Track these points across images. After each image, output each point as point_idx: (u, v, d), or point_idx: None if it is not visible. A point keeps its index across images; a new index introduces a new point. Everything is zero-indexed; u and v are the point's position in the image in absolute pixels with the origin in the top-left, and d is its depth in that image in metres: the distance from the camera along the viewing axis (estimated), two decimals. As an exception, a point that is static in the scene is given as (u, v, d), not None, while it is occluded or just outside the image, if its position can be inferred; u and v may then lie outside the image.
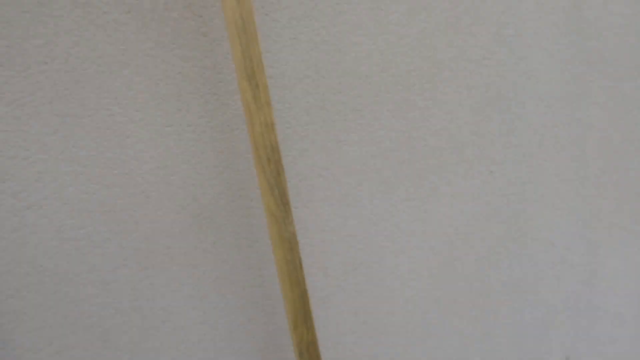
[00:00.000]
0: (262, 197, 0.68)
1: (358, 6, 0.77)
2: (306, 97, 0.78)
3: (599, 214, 1.04)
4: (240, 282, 0.81)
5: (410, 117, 0.85)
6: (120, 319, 0.75)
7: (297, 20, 0.75)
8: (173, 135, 0.73)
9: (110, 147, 0.70)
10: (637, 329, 1.17)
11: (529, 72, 0.91)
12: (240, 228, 0.79)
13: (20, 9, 0.63)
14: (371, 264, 0.88)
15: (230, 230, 0.79)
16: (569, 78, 0.95)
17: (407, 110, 0.84)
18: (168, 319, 0.78)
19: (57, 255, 0.71)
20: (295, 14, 0.74)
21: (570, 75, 0.95)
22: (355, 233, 0.86)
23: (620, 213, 1.04)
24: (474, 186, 0.92)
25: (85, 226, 0.72)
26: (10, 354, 0.70)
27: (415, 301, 0.93)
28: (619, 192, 1.03)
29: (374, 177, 0.85)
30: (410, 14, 0.81)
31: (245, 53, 0.62)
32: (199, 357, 0.80)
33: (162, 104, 0.71)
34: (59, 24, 0.65)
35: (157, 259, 0.76)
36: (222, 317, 0.81)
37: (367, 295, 0.89)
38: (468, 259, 0.96)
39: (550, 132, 0.95)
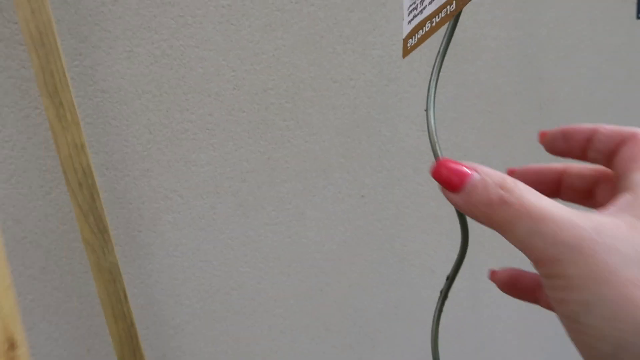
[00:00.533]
0: (77, 224, 0.62)
1: (204, 19, 0.73)
2: (147, 114, 0.73)
3: (481, 239, 1.03)
4: (76, 310, 0.75)
5: (270, 137, 0.80)
6: None
7: (133, 31, 0.70)
8: (-14, 152, 0.66)
9: None
10: (521, 355, 1.16)
11: (400, 94, 0.89)
12: (74, 253, 0.72)
13: None
14: (229, 290, 0.84)
15: (62, 255, 0.72)
16: (443, 101, 0.93)
17: (265, 130, 0.80)
18: (-14, 352, 0.71)
19: None
20: (130, 25, 0.69)
21: (445, 97, 0.93)
22: (210, 258, 0.81)
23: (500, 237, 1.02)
24: (344, 210, 0.89)
25: None
26: None
27: (282, 329, 0.89)
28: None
29: (230, 200, 0.80)
30: (266, 30, 0.77)
31: (44, 68, 0.57)
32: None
33: (-29, 118, 0.65)
34: None
35: (-28, 287, 0.69)
36: (56, 349, 0.75)
37: (227, 323, 0.84)
38: (340, 284, 0.92)
39: (426, 156, 0.93)
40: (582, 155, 0.27)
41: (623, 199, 0.21)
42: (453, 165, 0.24)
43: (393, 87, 0.88)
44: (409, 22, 0.34)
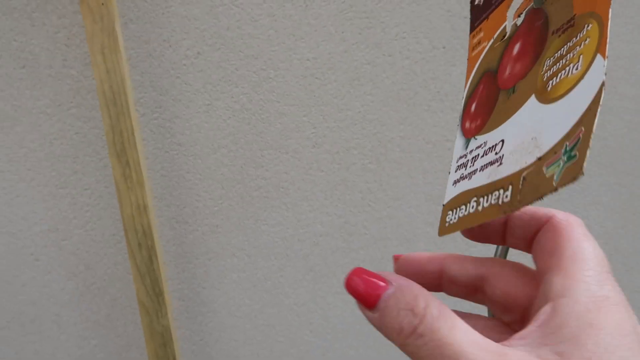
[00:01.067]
0: (134, 284, 0.60)
1: (287, 72, 0.68)
2: (221, 169, 0.70)
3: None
4: (138, 359, 0.74)
5: (348, 200, 0.73)
6: (-1, 383, 0.71)
7: (213, 85, 0.67)
8: (67, 198, 0.68)
9: (-2, 205, 0.67)
10: None
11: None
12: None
13: None
14: (291, 359, 0.77)
15: (127, 305, 0.72)
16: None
17: (344, 192, 0.73)
18: (51, 390, 0.72)
19: (-62, 309, 0.68)
20: (210, 79, 0.67)
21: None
22: (274, 323, 0.76)
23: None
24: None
25: (-31, 283, 0.68)
26: None
27: (346, 407, 0.80)
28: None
29: (299, 263, 0.74)
30: (353, 84, 0.70)
31: (114, 127, 0.55)
32: None
33: (56, 165, 0.66)
34: (-50, 76, 0.62)
35: (44, 325, 0.71)
36: (115, 395, 0.74)
37: (287, 392, 0.78)
38: None
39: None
40: (502, 242, 0.25)
41: (541, 321, 0.19)
42: (366, 277, 0.22)
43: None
44: (454, 182, 0.25)
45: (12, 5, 0.62)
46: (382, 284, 0.21)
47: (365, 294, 0.22)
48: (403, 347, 0.21)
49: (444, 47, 0.71)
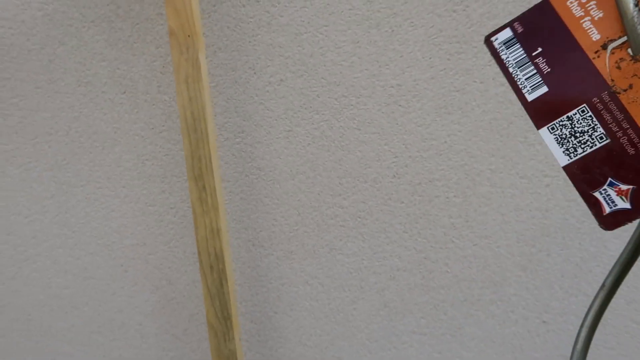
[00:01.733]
0: (204, 305, 0.61)
1: (370, 100, 0.66)
2: (298, 195, 0.69)
3: None
4: (210, 376, 0.75)
5: (429, 234, 0.69)
6: (88, 382, 0.76)
7: (294, 111, 0.67)
8: (154, 215, 0.72)
9: (97, 218, 0.72)
10: None
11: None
12: (214, 321, 0.73)
13: (34, 84, 0.69)
14: (362, 396, 0.74)
15: (202, 322, 0.74)
16: None
17: (425, 225, 0.68)
18: (131, 395, 0.76)
19: (43, 308, 0.76)
20: (292, 105, 0.67)
21: None
22: (344, 356, 0.73)
23: None
24: (516, 335, 0.70)
25: (69, 287, 0.75)
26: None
27: None
28: None
29: (374, 297, 0.71)
30: (439, 113, 0.65)
31: (194, 153, 0.57)
32: None
33: (147, 184, 0.71)
34: (64, 100, 0.69)
35: (129, 333, 0.75)
36: (189, 408, 0.76)
37: None
38: None
39: (649, 285, 0.68)
40: None
41: None
42: None
43: (608, 190, 0.66)
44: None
45: (117, 36, 0.67)
46: None
47: None
48: None
49: (545, 73, 0.64)
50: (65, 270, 0.74)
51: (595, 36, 0.26)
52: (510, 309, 0.70)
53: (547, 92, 0.26)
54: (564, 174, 0.66)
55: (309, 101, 0.67)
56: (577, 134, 0.25)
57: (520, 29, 0.27)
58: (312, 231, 0.70)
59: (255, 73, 0.67)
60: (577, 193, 0.67)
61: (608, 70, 0.25)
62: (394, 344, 0.72)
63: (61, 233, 0.73)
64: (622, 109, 0.24)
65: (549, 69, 0.26)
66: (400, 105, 0.66)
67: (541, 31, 0.27)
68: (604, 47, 0.25)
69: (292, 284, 0.72)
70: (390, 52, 0.65)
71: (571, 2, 0.26)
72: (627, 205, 0.25)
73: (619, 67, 0.25)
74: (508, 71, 0.27)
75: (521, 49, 0.27)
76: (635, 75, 0.24)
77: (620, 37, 0.25)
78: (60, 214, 0.72)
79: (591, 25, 0.26)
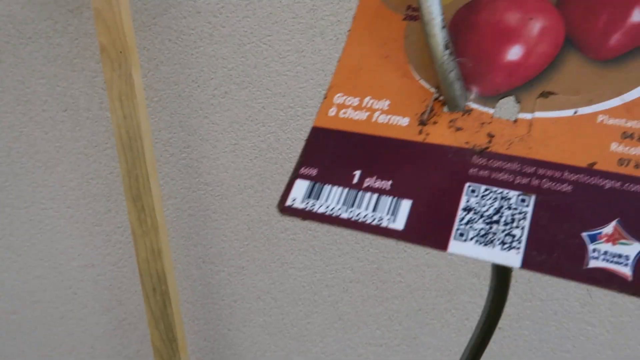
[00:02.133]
0: (149, 328, 0.60)
1: (316, 110, 0.65)
2: (247, 210, 0.68)
3: None
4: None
5: (382, 245, 0.68)
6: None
7: (240, 124, 0.66)
8: (102, 235, 0.70)
9: (42, 240, 0.70)
10: None
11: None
12: (167, 340, 0.71)
13: (-30, 105, 0.67)
14: (321, 411, 0.73)
15: (157, 341, 0.72)
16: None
17: (375, 237, 0.67)
18: (86, 420, 0.74)
19: (-9, 334, 0.73)
20: (238, 118, 0.66)
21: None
22: (302, 371, 0.72)
23: None
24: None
25: (16, 312, 0.73)
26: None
27: None
28: None
29: (328, 310, 0.70)
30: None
31: (130, 172, 0.56)
32: None
33: (92, 203, 0.69)
34: (3, 120, 0.67)
35: (80, 356, 0.73)
36: None
37: None
38: None
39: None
40: None
41: None
42: None
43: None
44: None
45: (56, 52, 0.65)
46: None
47: None
48: None
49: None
50: (12, 295, 0.72)
51: (402, 121, 0.22)
52: (466, 316, 0.69)
53: (412, 204, 0.20)
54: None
55: (254, 113, 0.66)
56: (494, 217, 0.19)
57: (313, 172, 0.22)
58: (263, 246, 0.69)
59: (198, 86, 0.66)
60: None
61: (452, 137, 0.21)
62: (349, 356, 0.71)
63: (6, 257, 0.71)
64: (509, 158, 0.20)
65: (389, 182, 0.21)
66: (346, 116, 0.65)
67: (340, 156, 0.22)
68: (422, 123, 0.22)
69: (244, 300, 0.70)
70: (335, 60, 0.64)
71: (343, 112, 0.22)
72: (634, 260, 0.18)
73: (459, 129, 0.21)
74: (343, 219, 0.21)
75: (336, 186, 0.21)
76: (483, 123, 0.21)
77: (427, 106, 0.22)
78: (4, 237, 0.70)
79: (388, 116, 0.22)
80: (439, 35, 0.20)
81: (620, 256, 0.17)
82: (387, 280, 0.69)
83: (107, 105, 0.66)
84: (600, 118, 0.20)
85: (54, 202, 0.69)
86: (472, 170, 0.20)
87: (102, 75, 0.65)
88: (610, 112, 0.20)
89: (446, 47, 0.20)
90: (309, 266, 0.69)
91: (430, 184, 0.20)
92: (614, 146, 0.19)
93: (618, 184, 0.18)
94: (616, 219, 0.18)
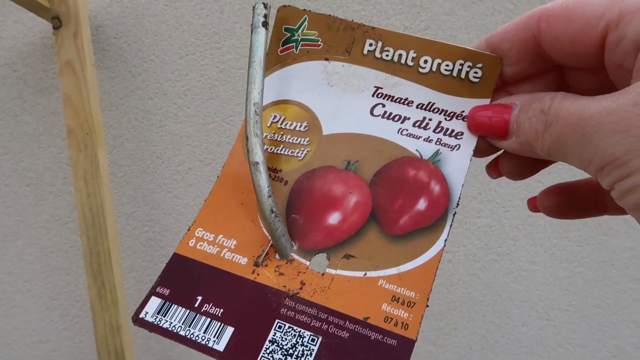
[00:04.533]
0: (107, 406, 0.58)
1: (276, 186, 0.68)
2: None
3: None
4: None
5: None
6: None
7: (202, 198, 0.68)
8: (59, 310, 0.69)
9: (-4, 316, 0.69)
10: None
11: (515, 272, 0.70)
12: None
13: None
14: None
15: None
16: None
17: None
18: None
19: None
20: (200, 192, 0.68)
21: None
22: None
23: None
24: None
25: (-37, 392, 0.70)
26: None
27: None
28: None
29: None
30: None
31: (92, 249, 0.57)
32: None
33: (50, 277, 0.69)
34: (-36, 195, 0.68)
35: None
36: None
37: None
38: None
39: (552, 353, 0.70)
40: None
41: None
42: (487, 111, 0.24)
43: (504, 263, 0.70)
44: None
45: (23, 130, 0.67)
46: (505, 109, 0.23)
47: (495, 124, 0.23)
48: (544, 149, 0.21)
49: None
50: (-40, 374, 0.69)
51: (242, 260, 0.26)
52: (424, 385, 0.70)
53: (234, 331, 0.23)
54: (464, 249, 0.70)
55: (216, 188, 0.68)
56: (289, 350, 0.23)
57: (166, 292, 0.25)
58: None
59: (162, 162, 0.68)
60: (480, 265, 0.70)
61: (275, 280, 0.25)
62: None
63: (-44, 333, 0.69)
64: (311, 304, 0.24)
65: (221, 310, 0.24)
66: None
67: (190, 282, 0.25)
68: (256, 264, 0.25)
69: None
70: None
71: (200, 245, 0.26)
72: None
73: (282, 274, 0.25)
74: (180, 336, 0.23)
75: (181, 307, 0.24)
76: (299, 272, 0.25)
77: (263, 251, 0.26)
78: (-44, 313, 0.69)
79: (232, 254, 0.26)
80: (266, 203, 0.25)
81: None
82: None
83: (71, 180, 0.67)
84: (380, 282, 0.24)
85: (11, 277, 0.69)
86: (282, 310, 0.24)
87: (67, 152, 0.67)
88: (388, 278, 0.24)
89: (272, 212, 0.25)
90: (269, 338, 0.70)
91: (251, 316, 0.24)
92: (384, 306, 0.24)
93: (380, 337, 0.23)
94: None
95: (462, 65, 0.26)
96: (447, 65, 0.26)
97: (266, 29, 0.27)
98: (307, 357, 0.23)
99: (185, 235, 0.27)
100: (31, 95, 0.67)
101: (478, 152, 0.26)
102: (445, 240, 0.25)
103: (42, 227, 0.68)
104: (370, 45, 0.27)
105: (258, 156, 0.24)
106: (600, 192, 0.27)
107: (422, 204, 0.25)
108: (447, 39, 0.67)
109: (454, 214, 0.25)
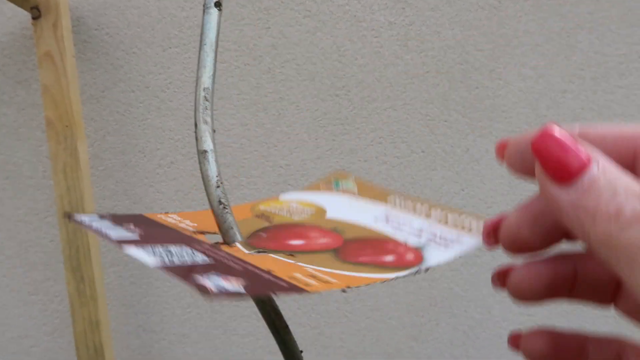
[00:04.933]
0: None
1: (260, 180, 0.68)
2: (190, 277, 0.68)
3: None
4: None
5: (323, 310, 0.69)
6: None
7: (185, 192, 0.68)
8: (38, 305, 0.68)
9: (-27, 310, 0.68)
10: None
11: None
12: (104, 415, 0.69)
13: None
14: None
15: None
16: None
17: (318, 302, 0.69)
18: None
19: None
20: (183, 187, 0.68)
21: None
22: None
23: None
24: (413, 406, 0.71)
25: (-61, 388, 0.68)
26: None
27: None
28: None
29: (271, 377, 0.70)
30: (325, 191, 0.68)
31: (71, 243, 0.56)
32: None
33: (29, 271, 0.68)
34: (-60, 187, 0.66)
35: None
36: None
37: None
38: None
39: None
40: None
41: None
42: (568, 142, 0.18)
43: (486, 259, 0.71)
44: None
45: (1, 122, 0.66)
46: (583, 157, 0.17)
47: (565, 163, 0.18)
48: (609, 240, 0.16)
49: (422, 152, 0.69)
50: None
51: (190, 228, 0.26)
52: (406, 380, 0.71)
53: (140, 235, 0.24)
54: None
55: (199, 182, 0.67)
56: (175, 258, 0.22)
57: (109, 218, 0.25)
58: (205, 312, 0.69)
59: (145, 156, 0.67)
60: (460, 263, 0.71)
61: (207, 241, 0.25)
62: None
63: None
64: (225, 253, 0.24)
65: (141, 231, 0.24)
66: (289, 185, 0.68)
67: (133, 220, 0.26)
68: (202, 232, 0.26)
69: (186, 369, 0.69)
70: (278, 134, 0.68)
71: (165, 217, 0.27)
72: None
73: (216, 243, 0.25)
74: (108, 235, 0.23)
75: (111, 222, 0.25)
76: (234, 251, 0.25)
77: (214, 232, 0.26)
78: None
79: (186, 226, 0.27)
80: (214, 194, 0.25)
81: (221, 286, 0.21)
82: (329, 346, 0.70)
83: (50, 173, 0.66)
84: (307, 267, 0.23)
85: (-11, 271, 0.68)
86: (195, 245, 0.24)
87: (47, 144, 0.66)
88: (318, 270, 0.23)
89: (220, 203, 0.25)
90: (252, 332, 0.69)
91: (161, 236, 0.24)
92: (296, 274, 0.22)
93: (272, 279, 0.21)
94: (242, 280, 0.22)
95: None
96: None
97: (219, 9, 0.26)
98: (184, 258, 0.21)
99: (165, 214, 0.27)
100: (10, 87, 0.66)
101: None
102: (396, 279, 0.23)
103: (21, 221, 0.67)
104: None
105: (207, 144, 0.24)
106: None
107: (388, 258, 0.24)
108: (431, 35, 0.67)
109: (416, 273, 0.23)
